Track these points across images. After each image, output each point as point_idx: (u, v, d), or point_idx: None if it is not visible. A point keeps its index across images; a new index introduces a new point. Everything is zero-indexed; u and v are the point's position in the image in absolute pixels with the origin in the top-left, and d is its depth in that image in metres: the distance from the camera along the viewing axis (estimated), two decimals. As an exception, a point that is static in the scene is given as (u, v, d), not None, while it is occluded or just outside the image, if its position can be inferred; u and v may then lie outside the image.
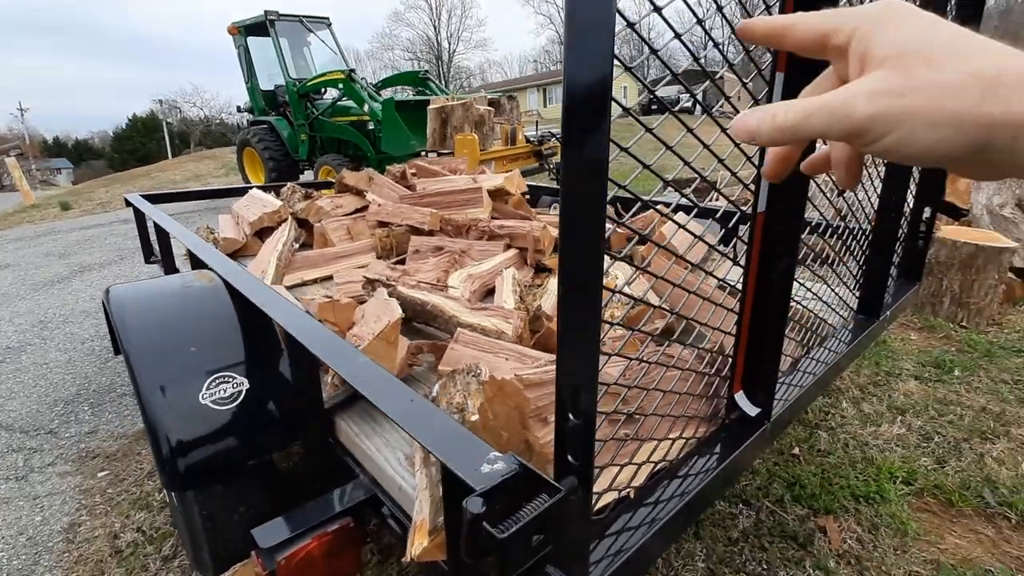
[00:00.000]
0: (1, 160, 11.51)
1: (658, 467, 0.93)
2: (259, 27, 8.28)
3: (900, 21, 0.32)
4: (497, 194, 2.82)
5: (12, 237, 6.98)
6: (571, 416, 0.65)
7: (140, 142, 38.54)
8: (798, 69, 0.80)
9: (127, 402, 2.67)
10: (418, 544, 0.89)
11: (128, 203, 2.94)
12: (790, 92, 0.82)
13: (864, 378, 2.55)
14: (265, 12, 8.04)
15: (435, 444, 0.71)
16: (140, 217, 2.84)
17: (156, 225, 2.28)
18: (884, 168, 1.52)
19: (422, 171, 3.17)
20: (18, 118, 43.12)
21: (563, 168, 0.54)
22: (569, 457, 0.66)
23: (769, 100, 0.84)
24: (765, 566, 1.55)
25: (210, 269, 1.57)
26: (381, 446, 1.20)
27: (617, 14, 0.51)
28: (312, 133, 8.20)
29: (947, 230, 3.27)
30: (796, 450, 2.04)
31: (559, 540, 0.64)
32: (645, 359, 0.84)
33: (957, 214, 2.14)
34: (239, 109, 10.19)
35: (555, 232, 2.46)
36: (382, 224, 2.70)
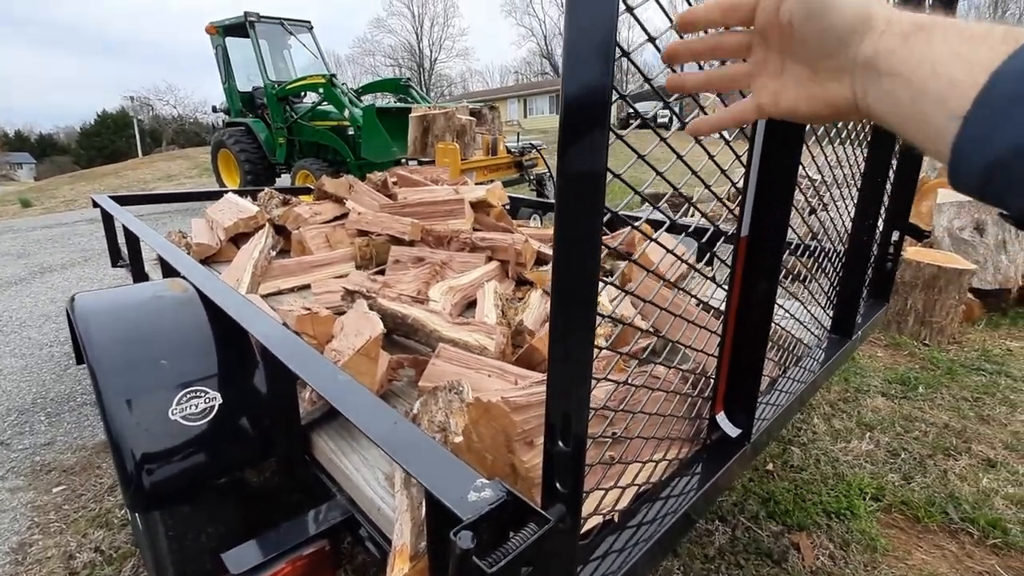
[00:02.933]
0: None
1: (641, 489, 0.93)
2: (238, 28, 8.14)
3: None
4: (479, 206, 2.81)
5: (-34, 235, 6.64)
6: (561, 443, 0.65)
7: (109, 139, 37.31)
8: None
9: (88, 411, 2.55)
10: (399, 570, 0.87)
11: (95, 204, 2.84)
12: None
13: (835, 394, 2.61)
14: (245, 13, 7.92)
15: (420, 470, 0.69)
16: (108, 219, 2.74)
17: (125, 228, 2.20)
18: (858, 192, 1.57)
19: (404, 180, 3.15)
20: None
21: (559, 188, 0.54)
22: (558, 484, 0.65)
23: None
24: (741, 583, 1.56)
25: (182, 277, 1.52)
26: (359, 464, 1.17)
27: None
28: (290, 137, 8.07)
29: (911, 251, 3.40)
30: (770, 466, 2.07)
31: (547, 569, 0.63)
32: (631, 382, 0.84)
33: (920, 236, 2.22)
34: (215, 109, 9.98)
35: (536, 245, 2.46)
36: (362, 233, 2.67)
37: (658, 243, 0.79)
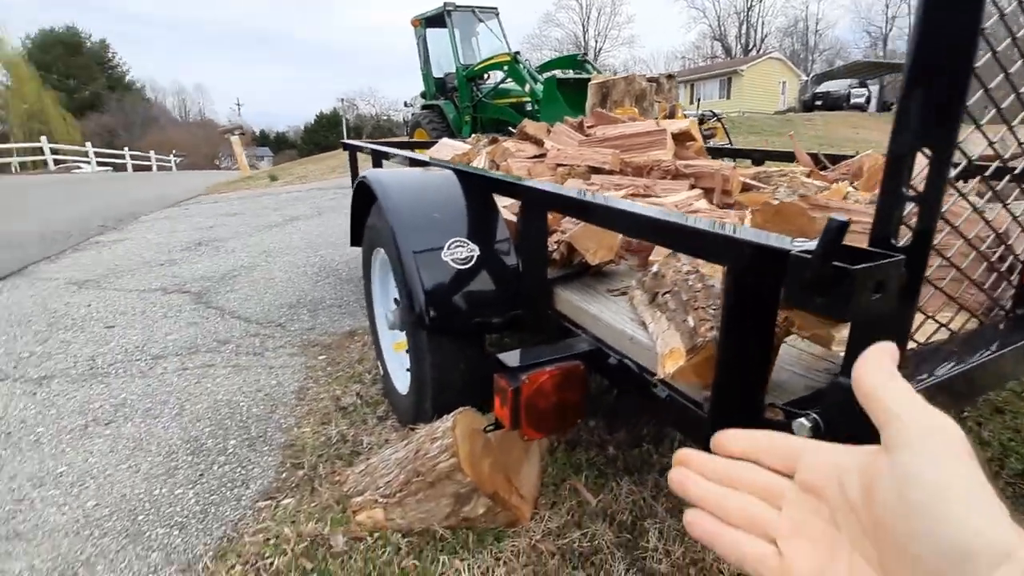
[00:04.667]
0: (226, 140, 14.10)
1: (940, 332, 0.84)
2: (437, 18, 9.05)
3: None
4: (680, 139, 2.75)
5: (235, 198, 8.54)
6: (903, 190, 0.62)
7: (324, 135, 44.63)
8: None
9: (335, 311, 3.13)
10: (671, 365, 0.92)
11: (344, 146, 3.43)
12: None
13: None
14: (444, 3, 8.77)
15: (739, 234, 0.72)
16: (352, 154, 3.29)
17: (374, 152, 2.62)
18: None
19: (601, 119, 3.20)
20: (236, 111, 53.10)
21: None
22: (891, 239, 0.63)
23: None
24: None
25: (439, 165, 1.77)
26: (604, 310, 1.26)
27: None
28: (475, 115, 8.77)
29: None
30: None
31: (891, 308, 0.61)
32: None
33: None
34: (405, 104, 11.35)
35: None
36: (562, 167, 2.79)
37: None
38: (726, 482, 0.39)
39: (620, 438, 1.74)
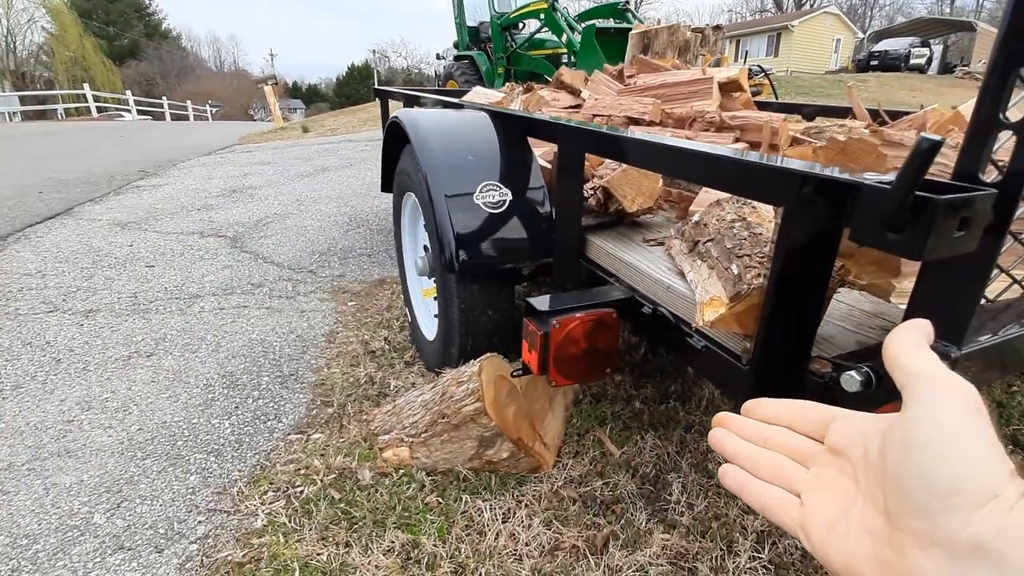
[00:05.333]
0: (260, 90, 14.09)
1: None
2: (472, -37, 8.64)
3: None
4: (726, 88, 2.58)
5: (269, 147, 8.59)
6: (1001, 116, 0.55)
7: (355, 88, 44.18)
8: None
9: (364, 260, 3.15)
10: (710, 313, 0.88)
11: (376, 92, 3.36)
12: None
13: None
14: (480, -54, 8.34)
15: (802, 167, 0.66)
16: (384, 100, 3.22)
17: (407, 98, 2.55)
18: None
19: (643, 66, 3.04)
20: (269, 62, 52.89)
21: None
22: (980, 174, 0.56)
23: None
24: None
25: (477, 109, 1.70)
26: (640, 258, 1.21)
27: None
28: (508, 66, 8.47)
29: None
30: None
31: (976, 247, 0.55)
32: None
33: None
34: (438, 56, 11.01)
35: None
36: (598, 118, 2.67)
37: None
38: (760, 443, 0.41)
39: (647, 394, 1.72)
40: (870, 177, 0.58)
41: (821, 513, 0.34)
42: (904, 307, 0.70)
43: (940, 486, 0.28)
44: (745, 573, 1.12)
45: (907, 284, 0.76)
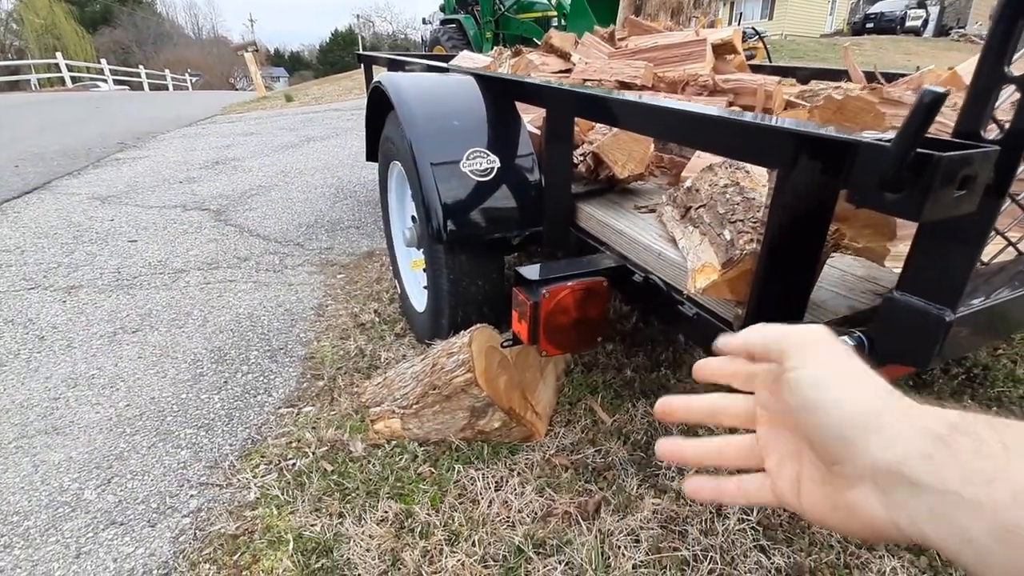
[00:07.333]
0: (241, 57, 13.61)
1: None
2: (459, -81, 8.27)
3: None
4: (720, 51, 2.51)
5: (252, 118, 8.35)
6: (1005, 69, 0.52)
7: (339, 55, 42.82)
8: None
9: (352, 233, 3.10)
10: (702, 279, 0.86)
11: (359, 58, 3.25)
12: None
13: None
14: (466, -99, 7.96)
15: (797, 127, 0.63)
16: (368, 66, 3.12)
17: (390, 61, 2.46)
18: None
19: (635, 28, 2.94)
20: (249, 28, 51.09)
21: None
22: (981, 131, 0.54)
23: None
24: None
25: (463, 73, 1.64)
26: (630, 226, 1.18)
27: None
28: (497, 31, 8.22)
29: None
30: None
31: (976, 208, 0.53)
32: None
33: None
34: (424, 21, 10.64)
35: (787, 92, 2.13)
36: (588, 83, 2.60)
37: None
38: (709, 418, 0.41)
39: (638, 362, 1.72)
40: (869, 135, 0.56)
41: (783, 475, 0.35)
42: (898, 271, 0.69)
43: (838, 429, 0.30)
44: (735, 535, 1.14)
45: (902, 248, 0.75)
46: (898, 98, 0.72)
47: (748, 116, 0.73)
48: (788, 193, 0.67)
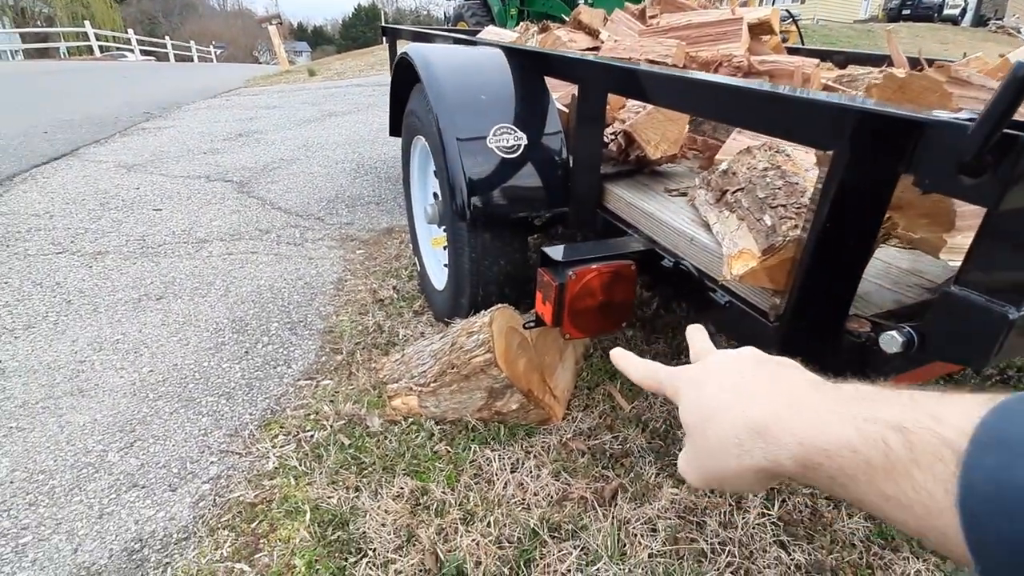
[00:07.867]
0: (264, 30, 13.56)
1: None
2: None
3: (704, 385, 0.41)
4: (756, 31, 2.41)
5: (275, 91, 8.34)
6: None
7: (361, 30, 42.53)
8: None
9: (372, 208, 3.09)
10: (739, 266, 0.82)
11: (383, 31, 3.19)
12: None
13: None
14: None
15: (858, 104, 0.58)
16: (392, 39, 3.07)
17: (416, 35, 2.41)
18: None
19: (667, 5, 2.84)
20: (273, 1, 50.98)
21: None
22: None
23: None
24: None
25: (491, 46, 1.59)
26: (661, 208, 1.14)
27: None
28: (521, 7, 8.05)
29: None
30: None
31: None
32: None
33: None
34: None
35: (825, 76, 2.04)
36: (620, 60, 2.52)
37: None
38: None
39: (658, 349, 1.69)
40: (942, 115, 0.51)
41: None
42: (953, 264, 0.65)
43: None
44: (754, 529, 1.12)
45: (959, 239, 0.70)
46: (967, 78, 0.67)
47: (803, 92, 0.68)
48: (843, 177, 0.63)
